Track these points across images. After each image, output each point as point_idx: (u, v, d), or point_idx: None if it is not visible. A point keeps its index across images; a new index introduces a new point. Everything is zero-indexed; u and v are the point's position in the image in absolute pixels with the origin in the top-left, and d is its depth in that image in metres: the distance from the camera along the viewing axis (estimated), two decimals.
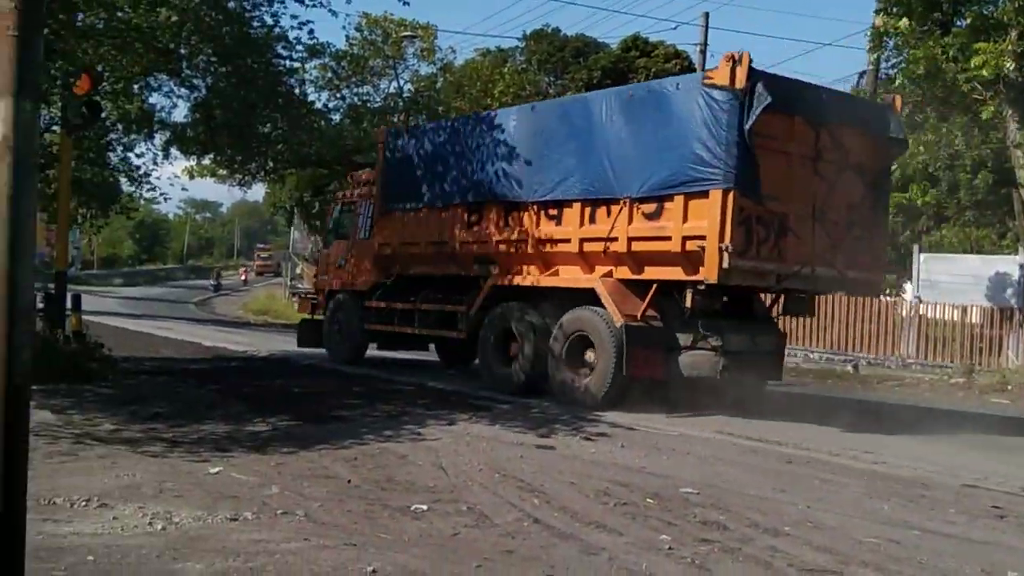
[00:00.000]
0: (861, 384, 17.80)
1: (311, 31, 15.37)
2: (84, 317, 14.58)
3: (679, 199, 11.22)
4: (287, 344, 19.58)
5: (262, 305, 41.20)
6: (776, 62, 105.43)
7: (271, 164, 27.15)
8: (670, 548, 5.56)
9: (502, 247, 13.61)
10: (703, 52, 25.69)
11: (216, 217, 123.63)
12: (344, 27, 38.92)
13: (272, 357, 17.75)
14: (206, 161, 25.13)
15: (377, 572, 4.76)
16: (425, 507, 6.23)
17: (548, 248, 13.05)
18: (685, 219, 11.19)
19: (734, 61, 10.72)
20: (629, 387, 11.89)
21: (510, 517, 6.10)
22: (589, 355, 12.14)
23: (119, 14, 13.87)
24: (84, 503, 5.86)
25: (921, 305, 21.94)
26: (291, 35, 15.14)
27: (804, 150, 11.53)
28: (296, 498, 6.34)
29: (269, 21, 14.80)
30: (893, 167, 15.03)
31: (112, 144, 17.54)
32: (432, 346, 16.49)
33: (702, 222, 10.96)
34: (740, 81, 10.61)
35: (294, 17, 16.16)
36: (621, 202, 11.87)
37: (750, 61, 10.65)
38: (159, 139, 17.64)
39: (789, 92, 11.36)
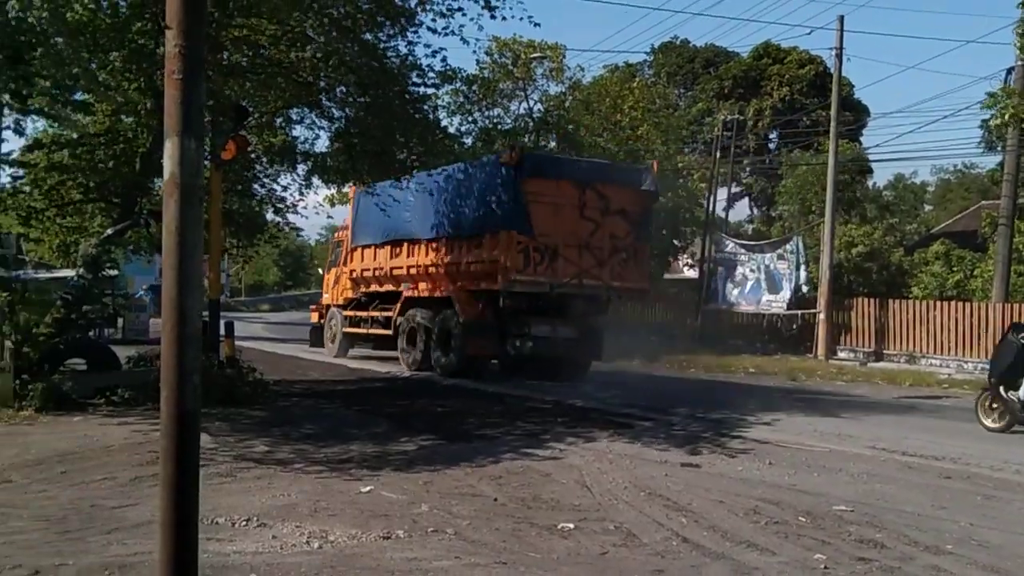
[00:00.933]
0: None
1: (444, 58, 15.60)
2: (235, 343, 15.17)
3: (488, 237, 17.22)
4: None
5: None
6: (917, 61, 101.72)
7: None
8: (826, 568, 5.41)
9: (410, 271, 19.81)
10: (839, 56, 24.89)
11: None
12: (475, 52, 39.52)
13: (413, 378, 18.07)
14: (346, 189, 25.87)
15: None
16: (572, 525, 6.23)
17: (430, 271, 19.14)
18: (492, 250, 17.03)
19: (513, 148, 17.59)
20: (476, 361, 17.86)
21: (658, 536, 6.04)
22: (452, 342, 17.95)
23: (262, 52, 14.46)
24: (244, 522, 6.10)
25: None
26: (424, 63, 15.44)
27: (572, 202, 16.99)
28: (445, 516, 6.43)
29: (403, 51, 15.15)
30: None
31: (258, 176, 18.25)
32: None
33: (496, 252, 16.82)
34: (516, 161, 16.65)
35: (427, 46, 16.56)
36: (461, 241, 18.03)
37: (522, 149, 17.67)
38: (302, 169, 18.22)
39: (553, 165, 18.07)
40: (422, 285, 19.54)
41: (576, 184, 17.01)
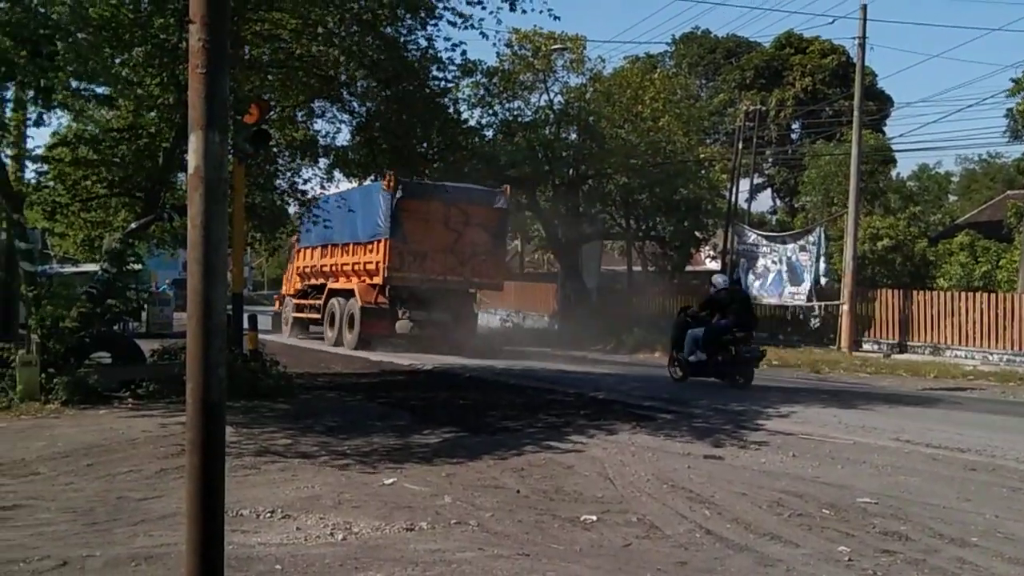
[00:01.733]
0: None
1: (464, 52, 15.60)
2: (259, 336, 15.24)
3: (375, 243, 22.62)
4: (449, 357, 20.37)
5: None
6: (941, 50, 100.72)
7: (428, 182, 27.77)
8: (850, 560, 5.39)
9: (332, 268, 25.53)
10: (862, 46, 24.67)
11: None
12: (495, 44, 39.45)
13: (435, 370, 18.13)
14: (368, 182, 25.96)
15: None
16: (595, 518, 6.23)
17: (343, 268, 24.77)
18: (377, 253, 22.48)
19: (390, 177, 20.67)
20: (371, 338, 22.69)
21: (681, 528, 6.04)
22: (354, 323, 23.13)
23: (284, 46, 14.49)
24: (269, 514, 6.15)
25: None
26: (444, 56, 15.44)
27: (438, 217, 22.17)
28: (468, 508, 6.45)
29: (423, 44, 15.14)
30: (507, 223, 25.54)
31: (280, 170, 18.31)
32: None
33: (380, 255, 22.33)
34: (393, 187, 21.22)
35: (447, 39, 16.74)
36: (361, 245, 23.49)
37: (398, 178, 20.46)
38: (323, 163, 18.27)
39: (423, 189, 20.40)
40: (340, 279, 25.12)
41: (442, 203, 21.66)
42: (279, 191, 18.90)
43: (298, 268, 28.63)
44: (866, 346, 23.96)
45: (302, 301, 27.96)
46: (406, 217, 21.77)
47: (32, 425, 10.01)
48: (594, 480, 7.53)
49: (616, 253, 40.15)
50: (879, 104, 39.28)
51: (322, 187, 19.73)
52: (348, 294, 23.88)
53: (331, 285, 25.37)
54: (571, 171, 30.54)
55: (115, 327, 15.77)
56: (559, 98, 30.34)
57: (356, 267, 23.76)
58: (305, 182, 19.17)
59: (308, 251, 27.55)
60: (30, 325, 12.11)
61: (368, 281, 23.06)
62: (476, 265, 23.11)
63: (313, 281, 27.19)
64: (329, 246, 25.54)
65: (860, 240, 25.29)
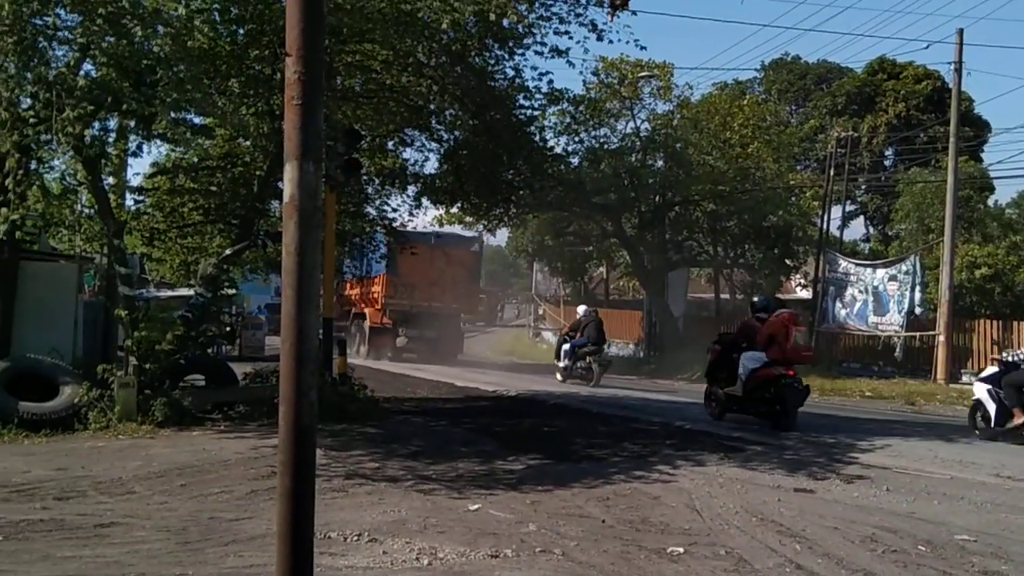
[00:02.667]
0: None
1: (550, 80, 15.74)
2: (347, 360, 15.47)
3: (377, 278, 29.28)
4: (534, 384, 20.42)
5: (508, 346, 42.29)
6: None
7: (514, 209, 27.95)
8: None
9: (356, 296, 32.16)
10: (958, 71, 24.07)
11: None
12: (581, 72, 39.58)
13: (520, 396, 18.13)
14: (454, 209, 26.22)
15: None
16: (681, 550, 6.14)
17: (362, 296, 31.38)
18: (378, 285, 29.50)
19: (387, 230, 21.64)
20: (379, 352, 29.16)
21: (771, 563, 5.90)
22: (365, 341, 30.03)
23: (374, 76, 14.78)
24: (356, 537, 6.20)
25: None
26: (531, 85, 15.56)
27: (426, 258, 26.76)
28: (553, 536, 6.42)
29: (510, 73, 15.29)
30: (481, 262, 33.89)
31: (370, 197, 18.63)
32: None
33: (378, 286, 29.31)
34: (389, 234, 21.43)
35: (534, 68, 17.04)
36: (370, 279, 29.73)
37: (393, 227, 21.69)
38: (412, 190, 18.55)
39: (413, 237, 24.50)
40: (360, 305, 31.72)
41: (428, 247, 27.54)
42: (368, 218, 19.23)
43: (346, 296, 33.84)
44: (964, 378, 23.19)
45: (340, 323, 32.80)
46: (405, 258, 25.51)
47: (129, 445, 10.30)
48: (681, 511, 7.42)
49: (703, 280, 39.75)
50: (976, 130, 38.23)
51: (410, 214, 20.07)
52: (362, 317, 31.11)
53: (355, 310, 32.34)
54: (657, 198, 30.39)
55: (209, 350, 16.17)
56: (646, 125, 30.30)
57: (366, 296, 30.92)
58: (394, 210, 19.49)
59: (351, 282, 32.94)
60: (128, 347, 12.49)
61: (373, 306, 30.04)
62: (456, 294, 29.94)
63: (353, 308, 32.93)
64: (355, 279, 31.77)
65: (957, 269, 24.58)
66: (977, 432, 12.83)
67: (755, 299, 15.97)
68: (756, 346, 13.67)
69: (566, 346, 22.42)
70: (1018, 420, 12.06)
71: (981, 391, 12.82)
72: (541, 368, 29.69)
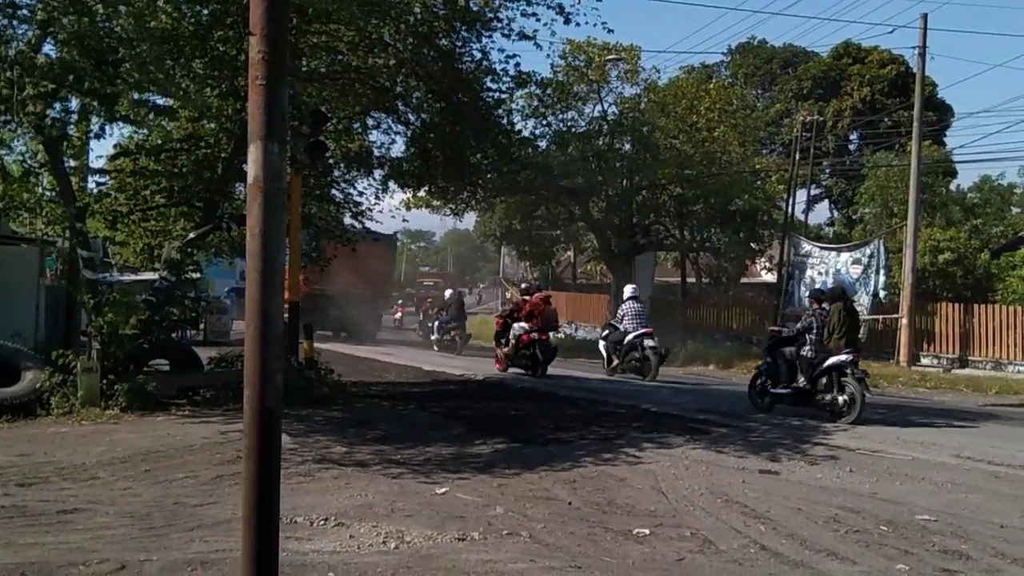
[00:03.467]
0: None
1: (518, 63, 15.62)
2: (314, 344, 15.37)
3: (308, 266, 22.39)
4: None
5: (475, 331, 42.21)
6: (1003, 59, 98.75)
7: (482, 193, 27.85)
8: None
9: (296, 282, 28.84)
10: (922, 56, 24.24)
11: (430, 246, 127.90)
12: (548, 55, 39.44)
13: (488, 380, 18.13)
14: (421, 193, 26.07)
15: None
16: (647, 531, 6.18)
17: (301, 282, 25.52)
18: (308, 272, 23.21)
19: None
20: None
21: (735, 543, 5.96)
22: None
23: (340, 58, 14.65)
24: (322, 522, 6.19)
25: None
26: (499, 68, 15.48)
27: (351, 255, 22.84)
28: (520, 519, 6.44)
29: (478, 56, 15.20)
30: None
31: (336, 181, 18.49)
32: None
33: (309, 273, 23.87)
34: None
35: (501, 51, 17.00)
36: (304, 267, 20.75)
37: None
38: (378, 174, 18.43)
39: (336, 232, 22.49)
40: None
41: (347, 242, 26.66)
42: (335, 202, 19.09)
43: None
44: (925, 360, 23.50)
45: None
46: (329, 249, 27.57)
47: (92, 430, 10.19)
48: (647, 493, 7.47)
49: (670, 264, 39.89)
50: (939, 114, 38.62)
51: (377, 198, 19.89)
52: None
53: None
54: (624, 182, 30.40)
55: (173, 335, 16.02)
56: (613, 109, 30.23)
57: (303, 281, 30.43)
58: (360, 193, 19.35)
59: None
60: (91, 332, 12.35)
61: (306, 291, 30.46)
62: (373, 281, 31.96)
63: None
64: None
65: (920, 253, 24.83)
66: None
67: (523, 284, 23.41)
68: (520, 319, 19.10)
69: (437, 323, 28.89)
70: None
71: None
72: None
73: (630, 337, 19.31)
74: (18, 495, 6.92)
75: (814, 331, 13.12)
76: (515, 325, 19.07)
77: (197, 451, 8.94)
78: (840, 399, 12.55)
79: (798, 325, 13.75)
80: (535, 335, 18.71)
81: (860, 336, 14.97)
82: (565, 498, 7.20)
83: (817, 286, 25.68)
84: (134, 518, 6.26)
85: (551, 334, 19.98)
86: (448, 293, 29.39)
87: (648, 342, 19.07)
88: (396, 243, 37.30)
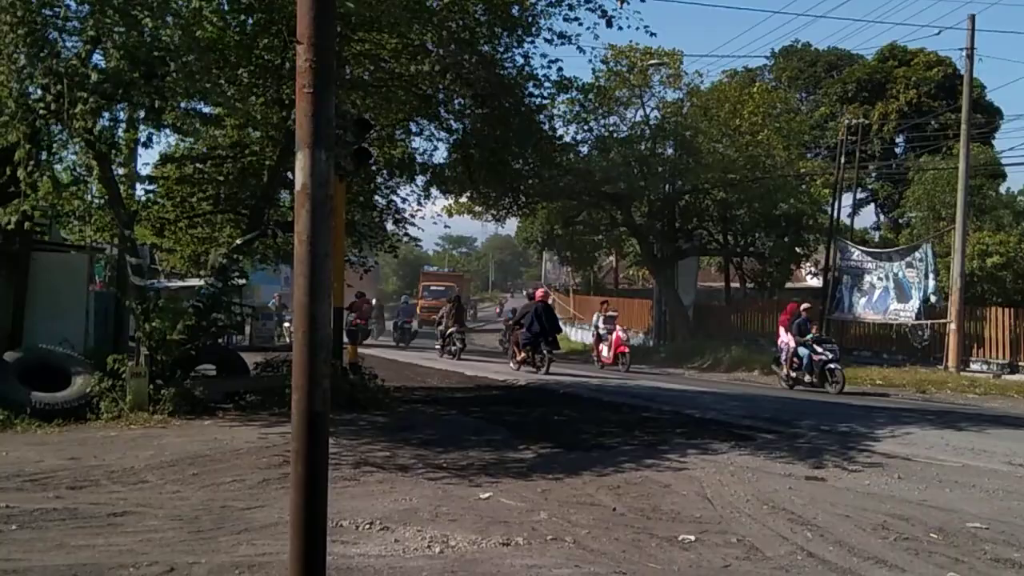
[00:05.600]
0: None
1: (560, 68, 15.65)
2: (358, 349, 15.51)
3: None
4: (544, 373, 20.40)
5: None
6: None
7: (523, 198, 27.86)
8: None
9: None
10: (970, 57, 23.87)
11: (472, 252, 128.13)
12: (591, 60, 39.41)
13: (531, 386, 18.12)
14: (463, 199, 26.14)
15: None
16: (693, 537, 6.14)
17: None
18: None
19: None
20: None
21: (782, 550, 5.90)
22: None
23: (383, 65, 14.74)
24: (368, 526, 6.22)
25: None
26: (540, 73, 15.50)
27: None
28: (564, 524, 6.42)
29: (520, 61, 15.24)
30: None
31: (379, 187, 18.59)
32: None
33: None
34: None
35: (543, 56, 16.95)
36: None
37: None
38: (420, 180, 18.51)
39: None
40: None
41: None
42: (377, 208, 19.21)
43: None
44: (974, 366, 23.09)
45: None
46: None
47: (141, 435, 10.34)
48: (692, 500, 7.42)
49: (713, 269, 39.64)
50: (988, 117, 37.95)
51: (419, 204, 19.98)
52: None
53: None
54: (667, 186, 30.29)
55: (220, 340, 16.20)
56: (655, 113, 30.12)
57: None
58: (403, 200, 19.46)
59: None
60: (139, 338, 12.52)
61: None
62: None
63: None
64: None
65: (968, 257, 24.44)
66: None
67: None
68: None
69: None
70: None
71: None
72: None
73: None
74: (69, 498, 7.04)
75: None
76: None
77: (244, 455, 9.03)
78: None
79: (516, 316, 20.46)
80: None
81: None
82: (609, 504, 7.18)
83: (878, 292, 25.44)
84: (182, 521, 6.34)
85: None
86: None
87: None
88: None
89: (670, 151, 30.06)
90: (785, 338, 19.99)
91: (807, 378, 19.29)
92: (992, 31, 55.74)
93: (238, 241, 14.51)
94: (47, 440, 10.02)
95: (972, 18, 23.99)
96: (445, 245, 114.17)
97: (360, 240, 19.27)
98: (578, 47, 14.97)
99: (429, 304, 47.67)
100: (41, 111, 10.35)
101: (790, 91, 41.07)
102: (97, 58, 11.14)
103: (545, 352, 21.26)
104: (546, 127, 17.93)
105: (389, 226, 20.59)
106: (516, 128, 15.49)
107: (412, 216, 20.02)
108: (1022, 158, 60.51)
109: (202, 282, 14.11)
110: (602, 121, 29.55)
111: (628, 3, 12.81)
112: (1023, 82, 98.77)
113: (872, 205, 43.58)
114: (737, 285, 35.09)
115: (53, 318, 13.47)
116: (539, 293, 23.45)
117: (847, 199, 31.84)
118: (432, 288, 53.09)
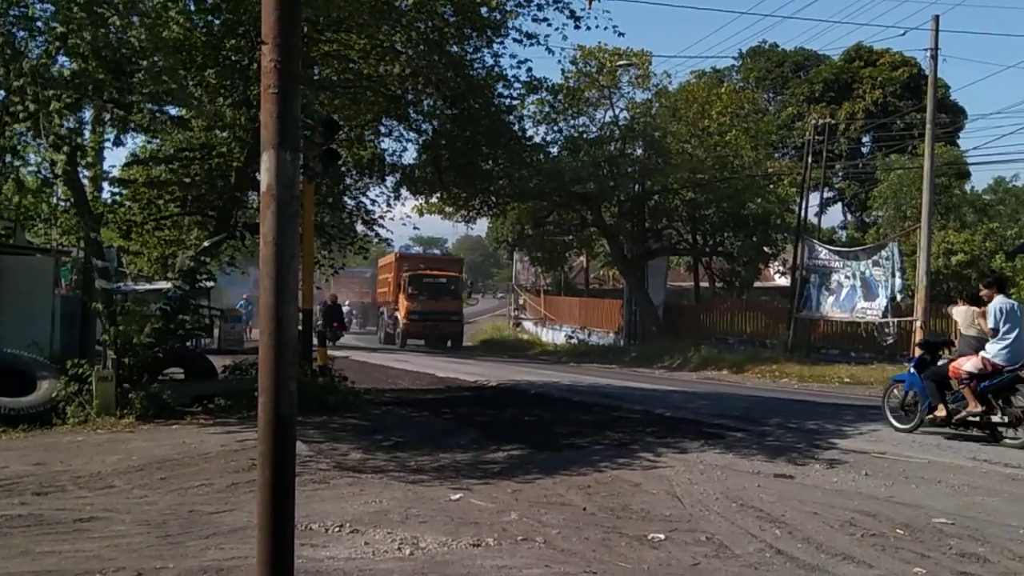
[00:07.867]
0: None
1: (529, 69, 15.66)
2: (328, 352, 15.41)
3: None
4: (516, 373, 20.39)
5: (488, 335, 42.29)
6: (1016, 60, 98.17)
7: (493, 199, 27.87)
8: None
9: None
10: (934, 57, 24.10)
11: (442, 252, 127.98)
12: (560, 61, 39.48)
13: (502, 386, 18.13)
14: (433, 199, 26.13)
15: None
16: (662, 536, 6.16)
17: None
18: None
19: None
20: None
21: (751, 548, 5.94)
22: None
23: (352, 66, 14.69)
24: (337, 528, 6.19)
25: None
26: (510, 74, 15.54)
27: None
28: (534, 525, 6.43)
29: (489, 62, 15.25)
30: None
31: (348, 188, 18.52)
32: None
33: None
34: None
35: (512, 56, 16.92)
36: None
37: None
38: (390, 181, 18.47)
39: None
40: None
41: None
42: (347, 210, 19.13)
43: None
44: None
45: None
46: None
47: (108, 439, 10.23)
48: (662, 498, 7.45)
49: (683, 269, 39.83)
50: (952, 116, 38.41)
51: (388, 205, 19.91)
52: None
53: None
54: (636, 187, 30.41)
55: (187, 343, 16.07)
56: (624, 114, 30.28)
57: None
58: (373, 202, 19.40)
59: None
60: (106, 341, 12.40)
61: None
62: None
63: None
64: None
65: (934, 255, 24.70)
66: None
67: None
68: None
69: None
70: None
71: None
72: (519, 356, 29.91)
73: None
74: (35, 504, 6.96)
75: None
76: None
77: (212, 459, 8.96)
78: None
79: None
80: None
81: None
82: (580, 504, 7.19)
83: (845, 290, 25.57)
84: (150, 526, 6.28)
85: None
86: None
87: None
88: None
89: (639, 151, 30.19)
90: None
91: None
92: (956, 32, 56.64)
93: (206, 243, 14.41)
94: (12, 445, 9.89)
95: (936, 19, 24.22)
96: (415, 245, 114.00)
97: (330, 242, 19.18)
98: (547, 48, 15.01)
99: (422, 308, 35.12)
100: (16, 112, 10.22)
101: (758, 91, 41.39)
102: (62, 59, 11.04)
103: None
104: (516, 128, 17.97)
105: (359, 227, 20.53)
106: (486, 129, 15.51)
107: (382, 217, 19.97)
108: (986, 157, 61.41)
109: (169, 285, 14.00)
110: (571, 122, 29.68)
111: (599, 1, 12.92)
112: (987, 82, 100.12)
113: (839, 204, 44.01)
114: (706, 284, 35.28)
115: (19, 322, 13.31)
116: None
117: (814, 198, 32.08)
118: (425, 281, 36.48)
